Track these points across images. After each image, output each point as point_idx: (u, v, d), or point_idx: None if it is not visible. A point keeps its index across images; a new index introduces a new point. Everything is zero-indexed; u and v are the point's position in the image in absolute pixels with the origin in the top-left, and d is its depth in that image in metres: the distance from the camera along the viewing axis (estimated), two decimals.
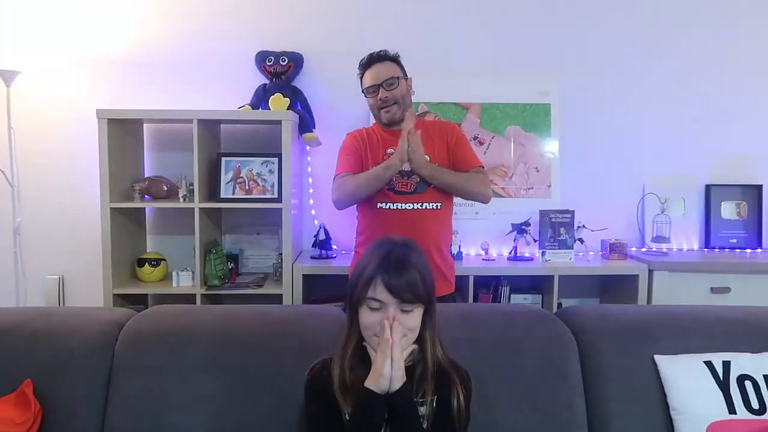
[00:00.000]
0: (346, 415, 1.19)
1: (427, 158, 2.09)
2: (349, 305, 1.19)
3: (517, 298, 2.73)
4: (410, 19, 2.88)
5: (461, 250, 2.74)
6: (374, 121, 2.29)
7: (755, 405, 1.54)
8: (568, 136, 2.89)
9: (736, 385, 1.56)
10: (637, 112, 2.93)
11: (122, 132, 2.59)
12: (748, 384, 1.58)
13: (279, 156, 2.54)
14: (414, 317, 1.16)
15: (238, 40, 2.83)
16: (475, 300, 2.64)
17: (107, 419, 1.59)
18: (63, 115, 2.79)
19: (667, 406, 1.60)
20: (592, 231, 2.77)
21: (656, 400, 1.61)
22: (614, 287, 2.80)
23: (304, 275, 2.54)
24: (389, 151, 2.14)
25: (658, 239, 2.79)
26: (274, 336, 1.67)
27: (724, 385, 1.59)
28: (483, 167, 2.23)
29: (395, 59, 2.20)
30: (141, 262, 2.65)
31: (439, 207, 2.13)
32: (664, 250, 2.80)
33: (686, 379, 1.60)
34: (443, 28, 2.88)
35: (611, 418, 1.62)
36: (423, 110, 2.86)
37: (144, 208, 2.78)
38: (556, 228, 2.67)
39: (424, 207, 2.11)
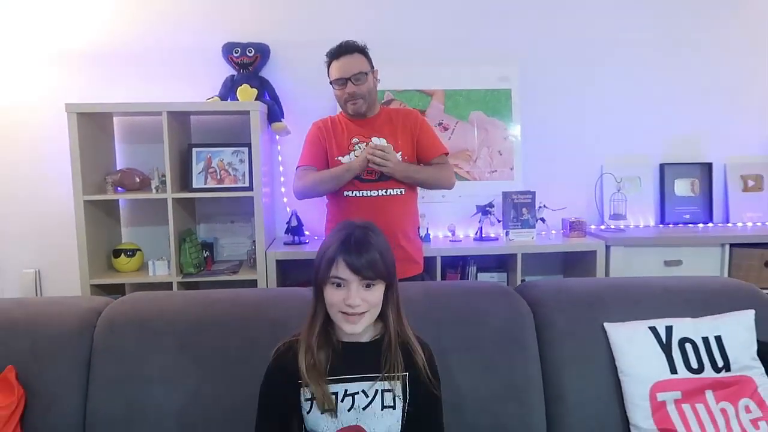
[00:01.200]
0: (305, 397, 1.26)
1: (391, 147, 2.17)
2: (315, 286, 1.27)
3: (484, 276, 2.85)
4: (374, 8, 2.95)
5: (429, 232, 2.85)
6: (340, 110, 2.36)
7: (694, 365, 1.67)
8: (528, 120, 3.00)
9: (677, 347, 1.69)
10: (595, 96, 3.05)
11: (92, 125, 2.62)
12: (688, 346, 1.70)
13: (249, 145, 2.61)
14: (375, 293, 1.24)
15: (205, 31, 2.87)
16: (443, 279, 2.75)
17: (89, 402, 1.65)
18: (32, 110, 2.81)
19: (615, 369, 1.72)
20: (553, 210, 2.89)
21: (605, 363, 1.73)
22: (575, 263, 2.94)
23: (277, 260, 2.62)
24: (354, 140, 2.22)
25: (615, 217, 2.93)
26: (246, 318, 1.74)
27: (666, 348, 1.71)
28: (447, 153, 2.34)
29: (363, 51, 2.26)
30: (117, 253, 2.70)
31: (402, 192, 2.23)
32: (622, 227, 2.95)
33: (632, 344, 1.72)
34: (406, 17, 2.96)
35: (565, 382, 1.73)
36: (388, 98, 2.94)
37: (117, 200, 2.82)
38: (519, 208, 2.78)
39: (388, 193, 2.21)
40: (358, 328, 1.24)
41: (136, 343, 1.70)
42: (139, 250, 2.75)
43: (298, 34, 2.91)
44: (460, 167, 2.95)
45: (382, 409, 1.26)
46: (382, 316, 1.29)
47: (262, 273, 2.59)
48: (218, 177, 2.64)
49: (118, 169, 2.84)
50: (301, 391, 1.27)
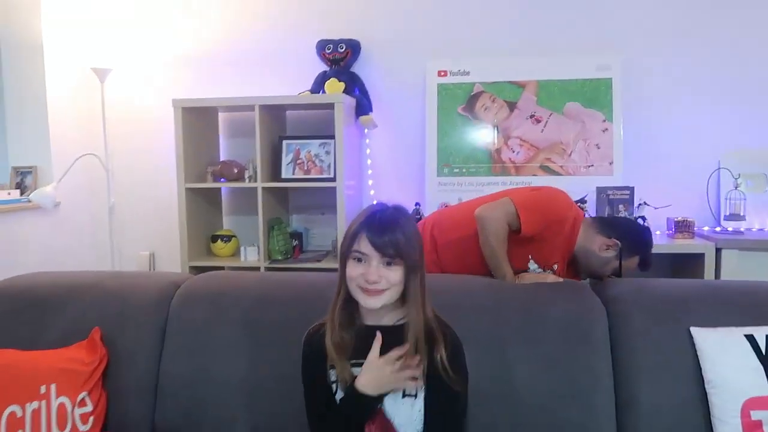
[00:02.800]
0: (331, 379, 1.26)
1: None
2: (339, 260, 1.27)
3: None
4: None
5: None
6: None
7: None
8: (631, 111, 2.78)
9: None
10: (709, 83, 2.75)
11: (198, 120, 2.85)
12: None
13: (335, 138, 2.67)
14: (395, 272, 1.21)
15: (301, 31, 3.01)
16: None
17: (162, 365, 1.78)
18: (149, 106, 3.13)
19: (700, 378, 1.53)
20: (656, 208, 2.64)
21: (689, 372, 1.55)
22: (682, 267, 2.65)
23: None
24: (555, 266, 1.94)
25: (732, 217, 2.60)
26: (304, 298, 1.78)
27: (765, 360, 1.49)
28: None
29: None
30: (214, 238, 2.90)
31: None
32: (742, 229, 2.61)
33: (724, 352, 1.52)
34: (496, 5, 2.88)
35: (640, 387, 1.57)
36: (478, 90, 2.87)
37: (219, 190, 3.03)
38: (615, 205, 2.57)
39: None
40: (376, 303, 1.21)
41: (205, 315, 1.81)
42: (235, 236, 2.93)
43: (388, 29, 2.95)
44: (553, 161, 2.80)
45: (403, 397, 1.23)
46: (403, 299, 1.26)
47: None
48: (305, 168, 2.74)
49: (221, 160, 3.05)
50: (328, 373, 1.27)
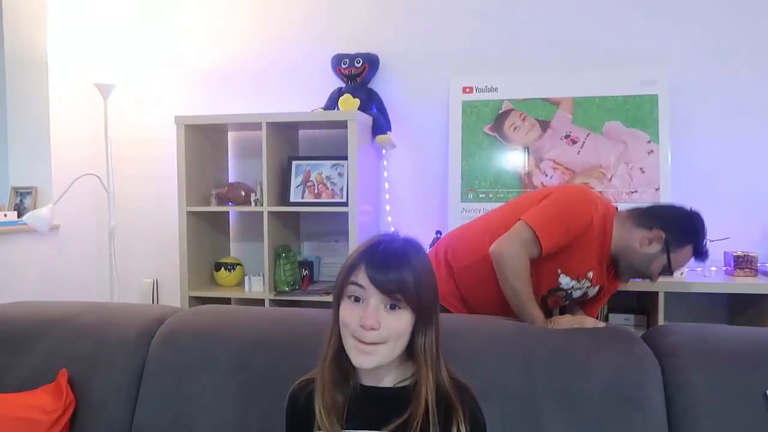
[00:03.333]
0: None
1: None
2: (333, 302, 1.03)
3: (616, 318, 2.36)
4: (486, 12, 2.66)
5: None
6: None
7: None
8: (680, 132, 2.48)
9: None
10: None
11: (204, 139, 2.67)
12: None
13: (348, 158, 2.45)
14: (399, 319, 0.95)
15: (316, 44, 2.81)
16: None
17: (137, 413, 1.57)
18: (153, 125, 2.96)
19: None
20: (711, 241, 2.31)
21: None
22: (744, 310, 2.32)
23: None
24: (589, 274, 1.71)
25: None
26: (302, 340, 1.54)
27: None
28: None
29: None
30: (218, 267, 2.69)
31: None
32: None
33: None
34: (525, 16, 2.63)
35: None
36: (507, 108, 2.62)
37: (226, 214, 2.83)
38: None
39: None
40: (371, 362, 0.96)
41: (188, 358, 1.59)
42: (240, 264, 2.71)
43: (409, 42, 2.73)
44: (591, 187, 2.51)
45: None
46: (411, 355, 1.00)
47: None
48: (315, 191, 2.52)
49: (228, 182, 2.85)
50: None
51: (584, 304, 1.89)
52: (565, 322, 1.58)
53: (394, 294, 0.94)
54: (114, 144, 2.84)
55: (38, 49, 2.75)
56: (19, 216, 2.72)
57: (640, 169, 2.49)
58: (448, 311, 1.77)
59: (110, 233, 2.80)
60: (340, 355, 1.01)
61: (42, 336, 1.69)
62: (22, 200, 2.81)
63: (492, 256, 1.61)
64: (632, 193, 2.49)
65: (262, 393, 1.49)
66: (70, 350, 1.65)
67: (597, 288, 1.77)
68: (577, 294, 1.76)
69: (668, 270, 1.70)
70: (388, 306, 0.95)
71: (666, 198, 2.44)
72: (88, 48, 2.81)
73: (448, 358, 1.07)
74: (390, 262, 0.96)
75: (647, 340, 1.50)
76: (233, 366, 1.54)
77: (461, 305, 1.82)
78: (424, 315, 0.97)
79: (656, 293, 2.19)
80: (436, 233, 2.52)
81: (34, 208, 2.73)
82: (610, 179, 2.51)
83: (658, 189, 2.46)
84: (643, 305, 2.38)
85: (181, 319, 1.72)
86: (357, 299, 0.96)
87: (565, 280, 1.71)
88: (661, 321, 2.19)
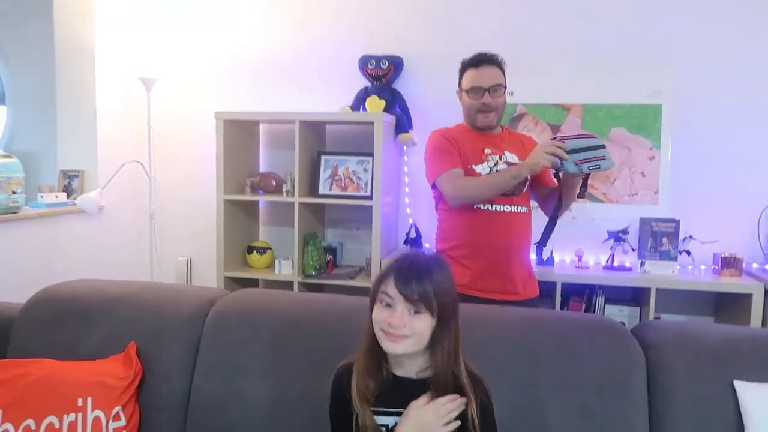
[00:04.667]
0: (355, 425, 1.24)
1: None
2: (370, 303, 1.26)
3: (612, 309, 2.60)
4: (507, 17, 2.85)
5: (553, 255, 2.67)
6: (461, 121, 2.30)
7: None
8: (681, 140, 2.68)
9: None
10: (764, 114, 2.63)
11: (239, 131, 2.88)
12: None
13: (373, 155, 2.67)
14: (422, 322, 1.18)
15: (345, 45, 3.01)
16: (564, 308, 2.56)
17: (194, 382, 1.81)
18: (192, 116, 3.18)
19: None
20: (702, 243, 2.54)
21: (731, 429, 1.49)
22: (728, 306, 2.55)
23: None
24: (486, 150, 2.13)
25: None
26: (337, 323, 1.78)
27: None
28: None
29: (501, 66, 2.17)
30: (250, 250, 2.93)
31: (526, 211, 2.14)
32: None
33: None
34: (542, 25, 2.82)
35: None
36: (521, 111, 2.82)
37: (257, 201, 3.06)
38: (658, 238, 2.49)
39: (518, 210, 2.11)
40: (397, 349, 1.19)
41: (237, 335, 1.82)
42: (270, 248, 2.95)
43: (431, 47, 2.93)
44: (595, 188, 2.73)
45: None
46: (431, 352, 1.23)
47: None
48: (342, 184, 2.74)
49: (260, 171, 3.08)
50: (354, 418, 1.26)
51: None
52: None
53: (417, 302, 1.17)
54: (155, 133, 3.07)
55: (86, 42, 2.95)
56: (68, 197, 2.97)
57: (642, 173, 2.70)
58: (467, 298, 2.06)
59: (151, 215, 3.04)
60: (374, 349, 1.24)
61: (109, 311, 1.93)
62: (70, 183, 3.05)
63: (455, 204, 2.10)
64: (633, 195, 2.71)
65: (301, 370, 1.71)
66: (134, 325, 1.88)
67: (511, 156, 2.14)
68: (502, 166, 2.11)
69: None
70: (412, 311, 1.18)
71: (664, 200, 2.66)
72: (134, 43, 3.01)
73: (465, 351, 1.31)
74: (414, 275, 1.18)
75: (636, 333, 1.73)
76: (274, 343, 1.77)
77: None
78: (443, 319, 1.20)
79: (649, 289, 2.42)
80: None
81: (81, 191, 2.98)
82: (614, 182, 2.73)
83: (657, 192, 2.68)
84: (636, 298, 2.62)
85: (229, 302, 1.96)
86: (387, 305, 1.20)
87: (478, 168, 2.11)
88: (652, 313, 2.42)
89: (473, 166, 2.11)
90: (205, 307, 1.94)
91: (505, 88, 2.16)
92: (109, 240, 3.10)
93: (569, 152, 1.94)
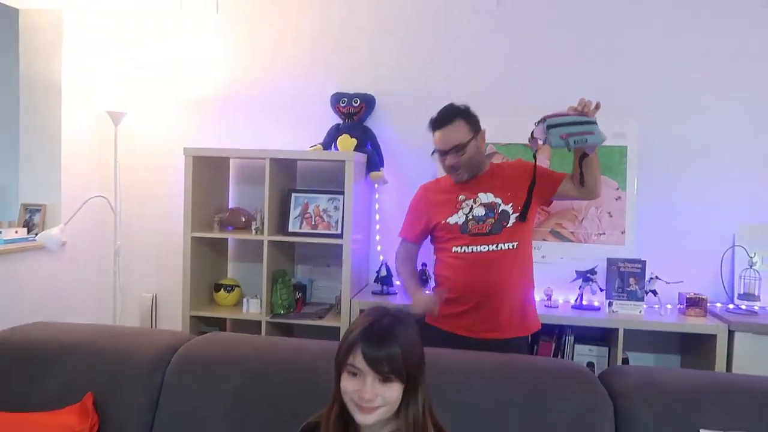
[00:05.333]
0: None
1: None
2: (335, 369, 1.23)
3: (582, 349, 2.61)
4: (479, 58, 2.90)
5: None
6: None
7: None
8: (645, 180, 2.74)
9: None
10: (730, 156, 2.71)
11: (208, 167, 2.85)
12: None
13: (344, 194, 2.65)
14: (392, 390, 1.16)
15: (317, 82, 3.01)
16: (533, 347, 2.56)
17: None
18: (160, 151, 3.14)
19: None
20: (667, 283, 2.58)
21: None
22: (694, 345, 2.58)
23: (361, 310, 2.61)
24: (461, 198, 2.18)
25: (745, 297, 2.53)
26: (305, 370, 1.75)
27: None
28: None
29: (465, 115, 2.17)
30: (218, 287, 2.87)
31: (515, 246, 2.13)
32: (756, 308, 2.54)
33: None
34: (512, 66, 2.88)
35: None
36: (491, 150, 2.85)
37: (226, 237, 3.01)
38: (625, 278, 2.52)
39: (500, 248, 2.12)
40: (369, 420, 1.17)
41: (200, 382, 1.77)
42: (238, 286, 2.90)
43: (403, 85, 2.95)
44: (563, 227, 2.76)
45: None
46: (398, 418, 1.20)
47: (345, 321, 2.59)
48: (313, 222, 2.72)
49: (230, 207, 3.04)
50: None
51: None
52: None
53: (386, 370, 1.15)
54: (122, 168, 3.01)
55: (53, 74, 2.90)
56: (28, 232, 2.88)
57: (609, 213, 2.74)
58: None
59: (116, 252, 2.97)
60: (343, 414, 1.21)
61: (65, 358, 1.86)
62: (31, 217, 2.96)
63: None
64: (600, 234, 2.74)
65: (263, 419, 1.68)
66: (91, 373, 1.81)
67: (485, 196, 2.18)
68: (477, 210, 2.15)
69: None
70: (381, 379, 1.16)
71: (630, 239, 2.70)
72: (102, 76, 2.96)
73: (434, 400, 1.29)
74: (381, 343, 1.16)
75: (604, 381, 1.73)
76: (238, 393, 1.72)
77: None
78: (411, 382, 1.18)
79: (617, 329, 2.44)
80: (422, 265, 2.74)
81: (44, 226, 2.90)
82: (581, 221, 2.76)
83: (623, 232, 2.72)
84: (605, 337, 2.63)
85: (193, 347, 1.90)
86: (355, 374, 1.17)
87: (452, 220, 2.17)
88: (620, 354, 2.44)
89: (447, 221, 2.17)
90: (166, 354, 1.88)
91: (474, 138, 2.15)
92: (71, 277, 3.01)
93: (553, 126, 1.95)
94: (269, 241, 2.67)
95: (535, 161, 2.19)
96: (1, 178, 3.65)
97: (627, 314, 2.50)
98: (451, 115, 2.16)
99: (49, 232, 2.69)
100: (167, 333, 2.10)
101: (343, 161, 2.63)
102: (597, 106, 2.05)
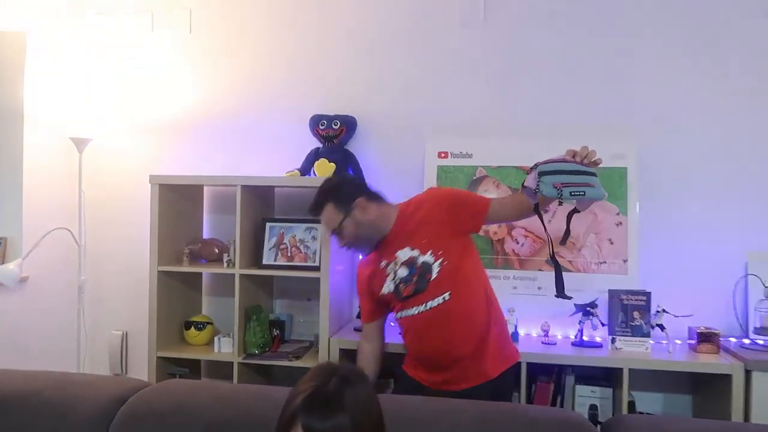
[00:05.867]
0: None
1: None
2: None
3: (583, 390, 2.37)
4: (467, 78, 2.73)
5: (518, 330, 2.45)
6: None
7: None
8: (648, 204, 2.54)
9: None
10: (739, 177, 2.51)
11: (179, 195, 2.66)
12: None
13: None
14: None
15: (295, 104, 2.84)
16: (529, 388, 2.34)
17: None
18: (127, 179, 2.96)
19: None
20: (675, 316, 2.36)
21: None
22: (708, 383, 2.35)
23: (341, 349, 2.40)
24: (382, 264, 2.02)
25: (761, 331, 2.31)
26: (269, 424, 1.53)
27: None
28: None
29: (331, 195, 2.04)
30: (188, 325, 2.66)
31: (448, 296, 1.94)
32: None
33: None
34: (503, 85, 2.70)
35: None
36: (481, 174, 2.66)
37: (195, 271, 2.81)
38: (629, 311, 2.30)
39: (429, 307, 1.95)
40: None
41: None
42: (211, 323, 2.69)
43: (386, 106, 2.78)
44: (560, 255, 2.55)
45: None
46: None
47: (324, 360, 2.37)
48: (288, 254, 2.53)
49: (204, 238, 2.85)
50: None
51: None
52: None
53: None
54: (87, 198, 2.83)
55: (15, 100, 2.73)
56: None
57: (609, 240, 2.54)
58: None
59: (80, 287, 2.77)
60: None
61: (4, 412, 1.66)
62: None
63: None
64: (601, 263, 2.53)
65: None
66: (30, 429, 1.62)
67: (402, 252, 1.99)
68: (401, 271, 1.98)
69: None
70: None
71: (633, 268, 2.49)
72: (66, 102, 2.80)
73: None
74: (326, 414, 0.98)
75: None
76: None
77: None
78: None
79: (621, 369, 2.21)
80: None
81: (3, 260, 2.71)
82: (580, 249, 2.55)
83: (626, 261, 2.51)
84: (608, 376, 2.40)
85: (142, 399, 1.70)
86: None
87: (385, 290, 2.02)
88: (626, 396, 2.21)
89: (382, 292, 2.04)
90: (112, 408, 1.67)
91: (347, 214, 2.00)
92: (34, 312, 2.80)
93: (546, 174, 1.73)
94: (241, 275, 2.47)
95: (541, 218, 1.93)
96: None
97: (632, 351, 2.27)
98: (319, 203, 2.06)
99: (6, 267, 2.50)
100: (118, 381, 1.89)
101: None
102: (597, 162, 1.83)
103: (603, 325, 2.38)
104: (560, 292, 1.91)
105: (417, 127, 2.75)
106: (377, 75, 2.79)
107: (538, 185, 1.75)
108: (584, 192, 1.74)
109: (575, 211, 1.88)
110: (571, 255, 2.56)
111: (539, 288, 2.56)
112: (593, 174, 1.79)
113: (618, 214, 2.54)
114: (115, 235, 2.98)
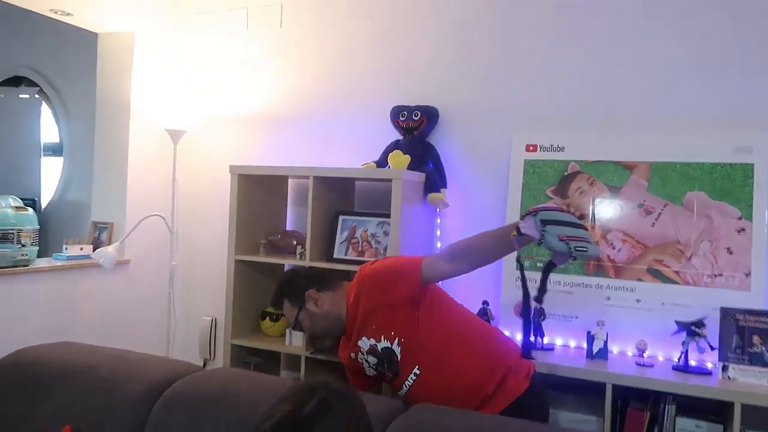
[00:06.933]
0: None
1: None
2: None
3: (686, 424, 2.01)
4: (561, 63, 2.46)
5: (608, 346, 2.15)
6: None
7: None
8: None
9: None
10: None
11: (261, 186, 2.69)
12: None
13: (391, 218, 2.34)
14: None
15: (378, 95, 2.76)
16: (623, 416, 2.03)
17: None
18: (216, 169, 3.05)
19: None
20: None
21: None
22: None
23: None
24: (352, 355, 1.92)
25: None
26: None
27: None
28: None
29: (285, 293, 2.00)
30: (264, 315, 2.67)
31: (418, 370, 1.79)
32: None
33: None
34: (602, 71, 2.40)
35: None
36: (573, 169, 2.39)
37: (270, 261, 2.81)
38: (747, 335, 1.92)
39: (407, 386, 1.82)
40: None
41: (186, 425, 1.57)
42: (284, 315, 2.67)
43: (470, 96, 2.60)
44: (665, 265, 2.21)
45: None
46: None
47: None
48: (359, 248, 2.44)
49: (287, 229, 2.86)
50: None
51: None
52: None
53: None
54: (180, 187, 2.95)
55: (123, 95, 2.94)
56: (94, 250, 2.90)
57: (727, 249, 2.14)
58: None
59: (171, 272, 2.90)
60: None
61: (57, 387, 1.75)
62: (99, 235, 3.00)
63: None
64: (716, 276, 2.15)
65: None
66: (81, 403, 1.69)
67: (363, 341, 1.85)
68: (371, 358, 1.85)
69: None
70: None
71: (758, 285, 2.08)
72: (164, 95, 2.95)
73: None
74: None
75: None
76: None
77: None
78: None
79: (732, 403, 1.84)
80: (483, 304, 2.33)
81: (110, 243, 2.91)
82: (690, 258, 2.19)
83: (748, 275, 2.10)
84: (717, 410, 2.02)
85: (188, 383, 1.70)
86: None
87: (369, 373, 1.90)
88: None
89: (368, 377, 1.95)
90: (158, 388, 1.69)
91: (302, 308, 1.95)
92: (133, 294, 2.99)
93: (547, 223, 1.56)
94: (311, 268, 2.42)
95: (522, 270, 1.78)
96: (79, 196, 3.83)
97: (747, 383, 1.89)
98: (277, 299, 2.05)
99: (104, 251, 2.67)
100: (172, 365, 1.90)
101: (391, 180, 2.32)
102: (584, 215, 1.72)
103: (712, 349, 2.01)
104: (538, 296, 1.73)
105: (503, 117, 2.53)
106: (460, 62, 2.62)
107: (543, 235, 1.56)
108: (586, 249, 1.56)
109: (552, 265, 1.65)
110: (677, 265, 2.20)
111: (637, 300, 2.23)
112: (587, 228, 1.63)
113: (740, 218, 2.14)
114: (205, 223, 3.11)
